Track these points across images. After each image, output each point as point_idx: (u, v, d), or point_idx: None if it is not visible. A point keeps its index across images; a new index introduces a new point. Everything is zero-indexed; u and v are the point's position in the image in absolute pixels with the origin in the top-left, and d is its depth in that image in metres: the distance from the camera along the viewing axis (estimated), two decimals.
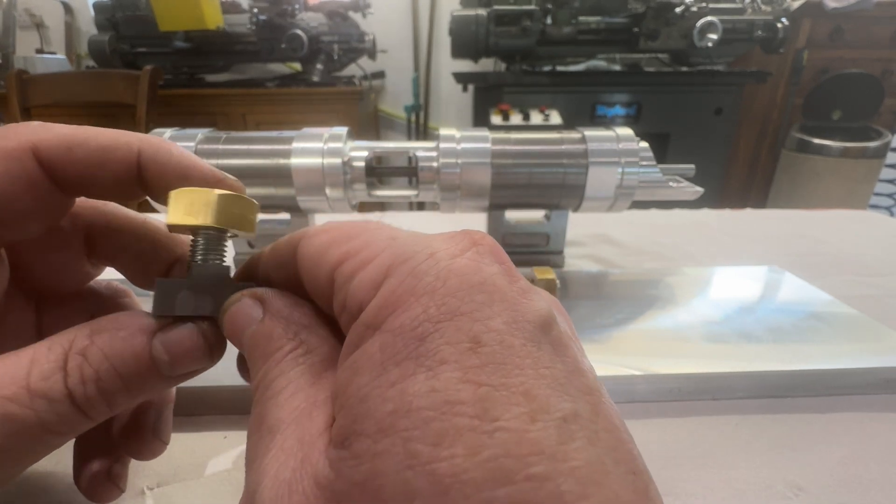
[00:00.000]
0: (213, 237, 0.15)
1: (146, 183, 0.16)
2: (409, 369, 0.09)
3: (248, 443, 0.12)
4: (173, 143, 0.17)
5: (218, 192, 0.15)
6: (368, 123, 2.16)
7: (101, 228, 0.18)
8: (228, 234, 0.16)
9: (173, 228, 0.15)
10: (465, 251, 0.11)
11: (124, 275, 0.19)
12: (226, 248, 0.16)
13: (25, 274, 0.18)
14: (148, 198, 0.18)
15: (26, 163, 0.15)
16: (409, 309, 0.10)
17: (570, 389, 0.09)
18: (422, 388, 0.09)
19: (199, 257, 0.15)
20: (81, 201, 0.18)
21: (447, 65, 2.07)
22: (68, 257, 0.18)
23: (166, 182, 0.16)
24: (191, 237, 0.16)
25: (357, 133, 0.44)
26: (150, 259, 0.18)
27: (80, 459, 0.18)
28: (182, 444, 0.23)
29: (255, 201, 0.16)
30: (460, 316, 0.10)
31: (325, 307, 0.13)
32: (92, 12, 1.82)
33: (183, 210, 0.15)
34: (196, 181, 0.16)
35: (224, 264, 0.16)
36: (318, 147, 0.36)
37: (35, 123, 0.16)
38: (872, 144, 1.79)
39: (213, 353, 0.15)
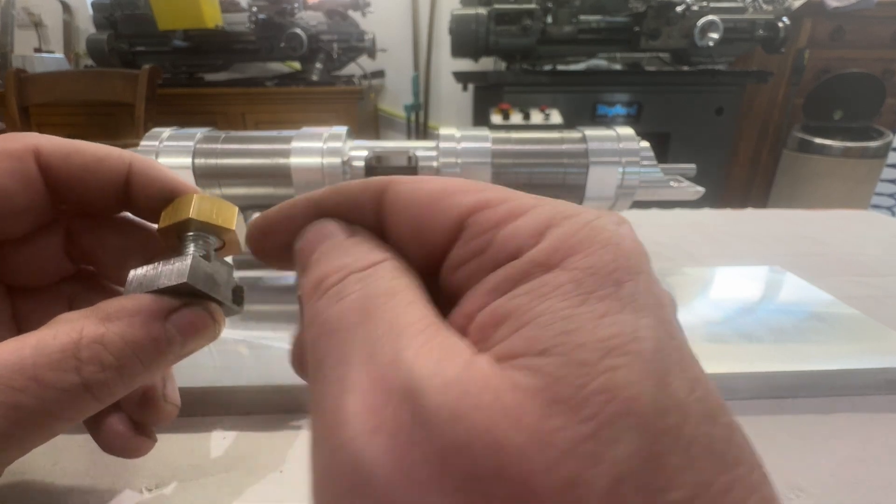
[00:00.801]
0: (200, 237, 0.17)
1: (133, 195, 0.18)
2: (615, 307, 0.09)
3: (344, 335, 0.10)
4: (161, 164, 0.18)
5: (195, 195, 0.17)
6: (368, 123, 2.16)
7: (83, 226, 0.19)
8: (213, 243, 0.17)
9: (162, 231, 0.17)
10: (622, 223, 0.12)
11: (99, 270, 0.20)
12: (212, 250, 0.17)
13: (2, 266, 0.18)
14: (129, 214, 0.19)
15: (28, 163, 0.16)
16: (597, 254, 0.10)
17: None
18: (638, 324, 0.09)
19: (195, 253, 0.16)
20: None
21: (447, 64, 2.07)
22: (48, 254, 0.19)
23: (152, 193, 0.17)
24: (188, 234, 0.17)
25: (357, 132, 0.44)
26: (130, 255, 0.19)
27: (93, 422, 0.18)
28: (182, 444, 0.23)
29: (233, 205, 0.18)
30: (644, 273, 0.10)
31: (418, 252, 0.13)
32: (90, 11, 1.81)
33: (168, 215, 0.17)
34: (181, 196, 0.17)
35: (229, 263, 0.17)
36: (317, 146, 0.36)
37: (36, 133, 0.17)
38: (873, 144, 1.79)
39: (218, 332, 0.17)
